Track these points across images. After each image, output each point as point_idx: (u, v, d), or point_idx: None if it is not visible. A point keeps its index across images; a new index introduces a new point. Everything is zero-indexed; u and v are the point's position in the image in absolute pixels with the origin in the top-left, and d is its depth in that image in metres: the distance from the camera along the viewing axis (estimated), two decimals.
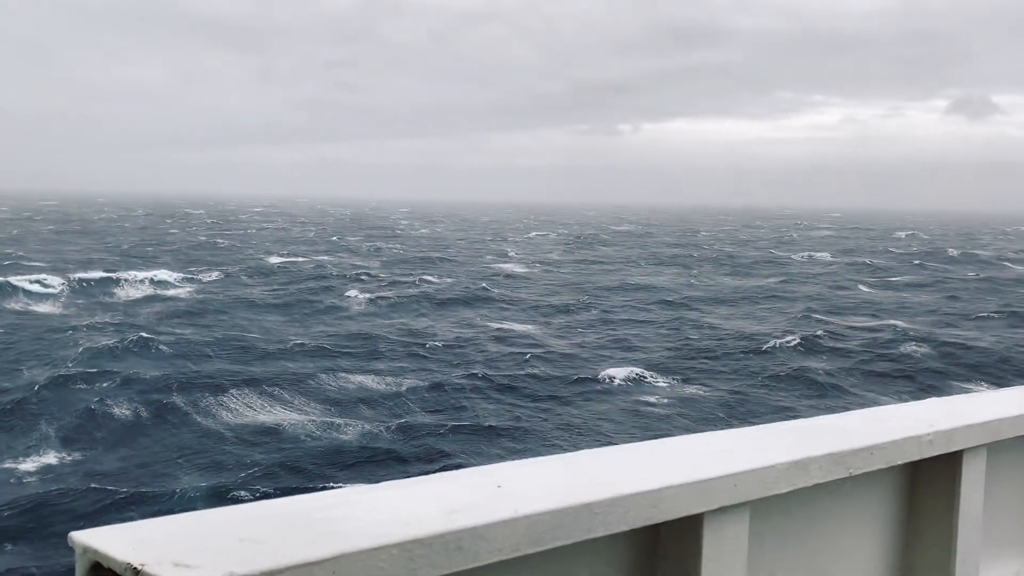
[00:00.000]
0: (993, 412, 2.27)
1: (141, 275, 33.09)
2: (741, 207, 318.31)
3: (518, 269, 43.59)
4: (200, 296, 30.11)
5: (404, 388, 17.48)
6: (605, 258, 54.07)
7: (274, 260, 45.00)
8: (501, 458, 13.71)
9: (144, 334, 21.17)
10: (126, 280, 32.06)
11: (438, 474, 1.44)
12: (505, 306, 29.67)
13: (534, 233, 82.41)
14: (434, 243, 65.53)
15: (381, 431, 14.55)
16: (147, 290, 31.09)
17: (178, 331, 22.75)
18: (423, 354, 20.95)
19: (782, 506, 1.74)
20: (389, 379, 18.28)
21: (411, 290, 32.70)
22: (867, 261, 54.02)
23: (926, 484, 2.19)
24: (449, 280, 36.05)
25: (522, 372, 19.11)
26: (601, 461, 1.56)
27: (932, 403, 2.43)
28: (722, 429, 1.84)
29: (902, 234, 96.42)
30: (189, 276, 34.60)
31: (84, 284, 30.66)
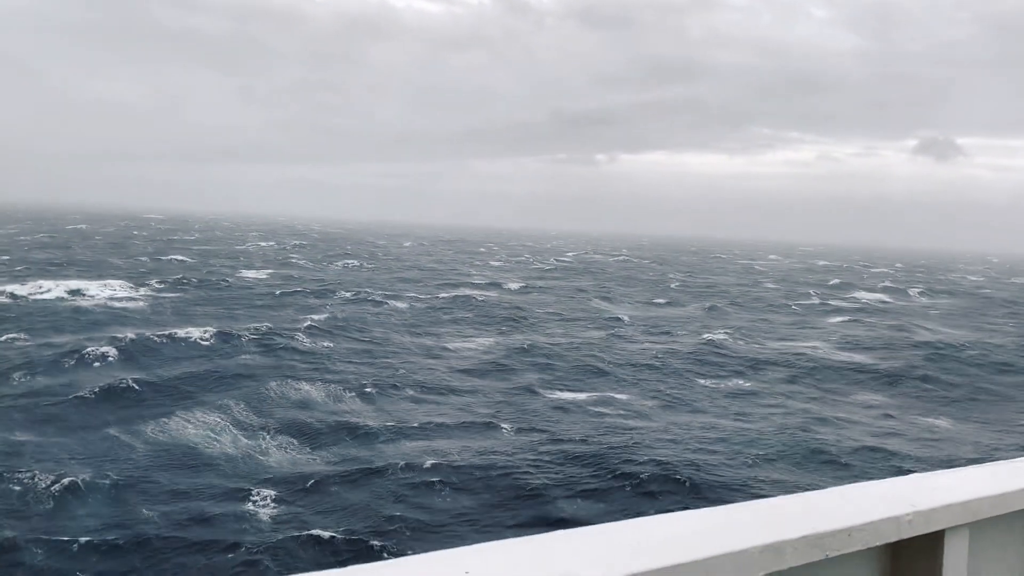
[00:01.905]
0: (974, 490, 2.23)
1: None
2: (710, 238, 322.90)
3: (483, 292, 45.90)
4: None
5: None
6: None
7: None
8: None
9: None
10: None
11: (403, 559, 1.41)
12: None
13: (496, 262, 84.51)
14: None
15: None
16: None
17: None
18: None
19: None
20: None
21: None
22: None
23: (907, 565, 2.10)
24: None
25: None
26: (570, 545, 1.53)
27: (911, 480, 2.39)
28: (691, 509, 1.87)
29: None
30: None
31: None
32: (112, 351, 21.75)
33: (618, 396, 20.47)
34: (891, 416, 19.97)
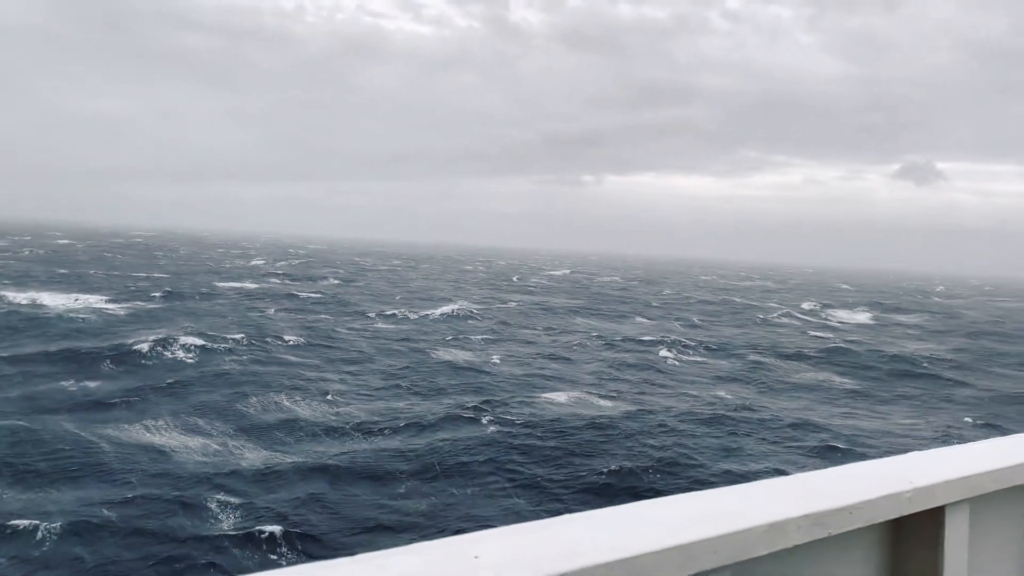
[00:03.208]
0: (974, 466, 2.28)
1: None
2: (696, 259, 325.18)
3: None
4: None
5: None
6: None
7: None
8: None
9: None
10: None
11: (413, 545, 1.40)
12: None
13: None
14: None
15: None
16: None
17: None
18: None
19: (761, 569, 1.73)
20: None
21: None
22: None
23: (908, 541, 2.16)
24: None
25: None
26: (579, 528, 1.54)
27: (911, 458, 2.42)
28: (699, 491, 1.89)
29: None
30: None
31: None
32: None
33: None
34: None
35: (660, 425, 18.68)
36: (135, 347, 24.74)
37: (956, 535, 2.19)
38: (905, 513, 2.02)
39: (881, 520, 1.98)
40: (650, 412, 19.90)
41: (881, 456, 2.55)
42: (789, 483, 2.03)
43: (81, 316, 32.16)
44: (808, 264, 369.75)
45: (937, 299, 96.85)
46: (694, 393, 23.46)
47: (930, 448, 2.59)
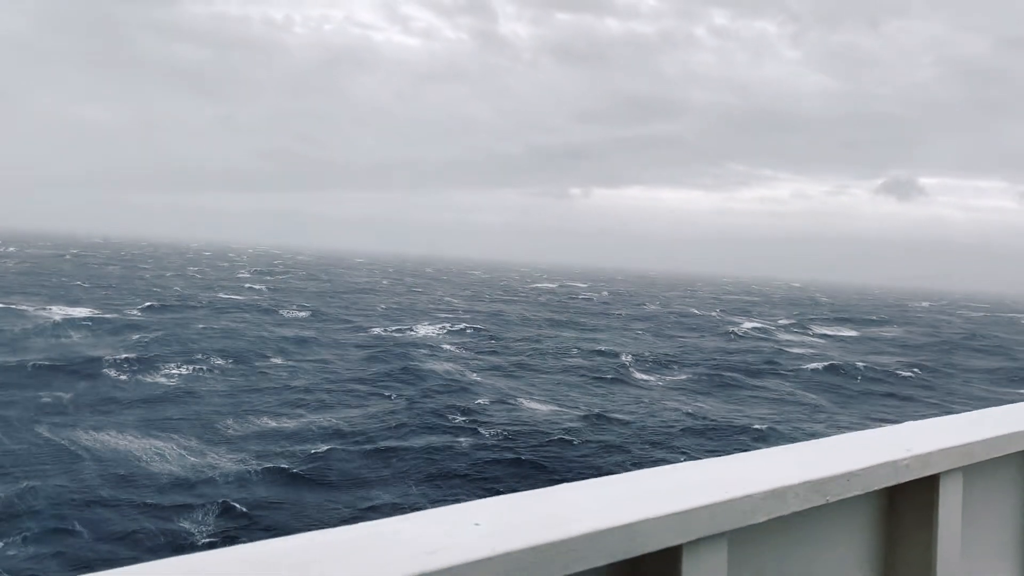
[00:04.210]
0: (968, 434, 2.32)
1: None
2: (683, 272, 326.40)
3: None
4: None
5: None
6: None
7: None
8: None
9: None
10: None
11: (414, 513, 1.41)
12: None
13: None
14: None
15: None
16: None
17: None
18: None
19: (760, 535, 1.77)
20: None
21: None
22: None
23: (903, 508, 2.20)
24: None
25: None
26: (578, 495, 1.56)
27: (908, 427, 2.45)
28: (699, 460, 1.89)
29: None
30: None
31: None
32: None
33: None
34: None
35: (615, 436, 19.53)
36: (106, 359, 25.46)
37: (950, 502, 2.24)
38: (902, 480, 2.06)
39: (878, 487, 2.02)
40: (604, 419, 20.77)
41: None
42: (788, 451, 2.08)
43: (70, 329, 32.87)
44: (796, 278, 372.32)
45: (919, 314, 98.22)
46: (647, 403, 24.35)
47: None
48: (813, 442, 2.21)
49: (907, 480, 2.08)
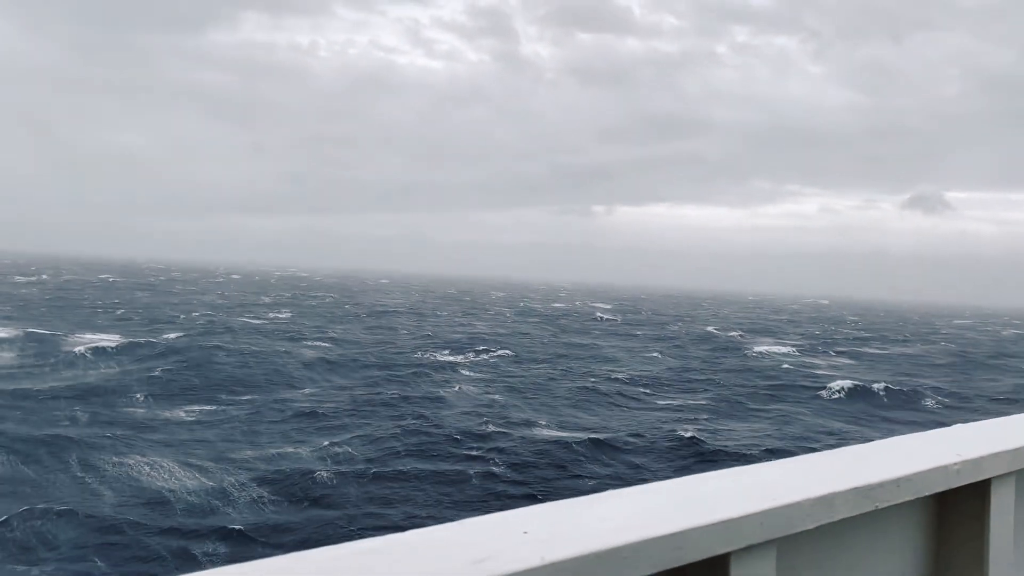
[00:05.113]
0: (1020, 437, 2.25)
1: None
2: (706, 290, 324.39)
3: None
4: None
5: None
6: None
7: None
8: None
9: None
10: None
11: (463, 521, 1.41)
12: None
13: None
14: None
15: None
16: None
17: None
18: None
19: (809, 542, 1.74)
20: None
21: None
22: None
23: (954, 513, 2.14)
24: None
25: None
26: (626, 503, 1.55)
27: (957, 429, 2.41)
28: (745, 465, 1.86)
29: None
30: None
31: None
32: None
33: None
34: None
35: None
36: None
37: (1002, 508, 2.19)
38: (952, 486, 2.02)
39: (928, 493, 1.97)
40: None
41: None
42: (836, 456, 2.05)
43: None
44: (824, 295, 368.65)
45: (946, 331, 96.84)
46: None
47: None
48: (861, 446, 2.20)
49: (958, 485, 2.04)
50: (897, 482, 1.85)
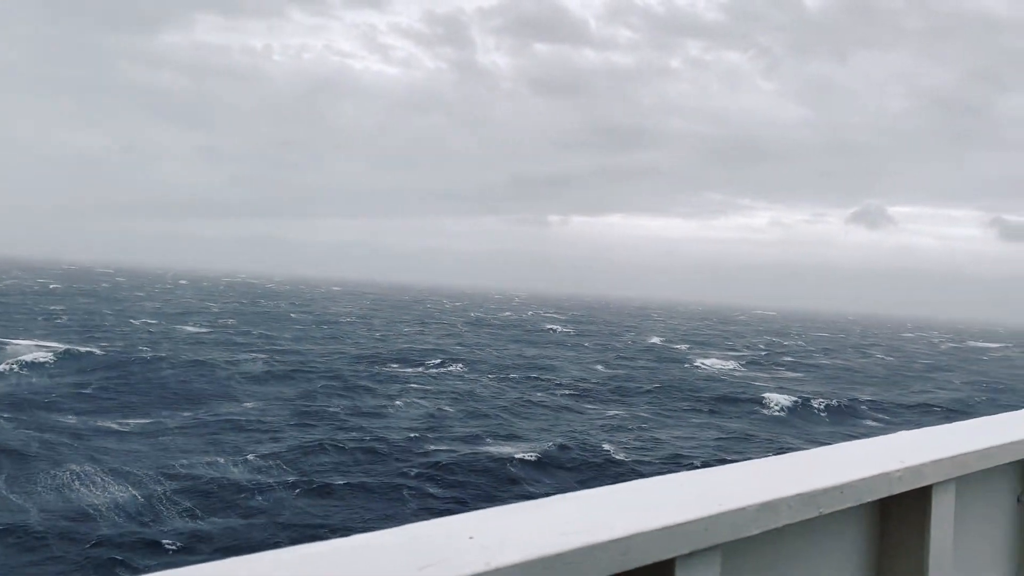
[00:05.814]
0: (961, 445, 2.30)
1: None
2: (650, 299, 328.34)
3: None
4: None
5: None
6: None
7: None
8: None
9: None
10: None
11: (408, 526, 1.40)
12: None
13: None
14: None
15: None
16: None
17: None
18: None
19: (753, 547, 1.76)
20: None
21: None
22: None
23: (896, 519, 2.19)
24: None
25: None
26: (572, 508, 1.55)
27: (900, 437, 2.44)
28: (692, 470, 1.88)
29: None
30: None
31: None
32: None
33: None
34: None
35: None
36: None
37: (943, 513, 2.22)
38: (895, 492, 2.05)
39: (871, 499, 2.00)
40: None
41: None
42: (781, 462, 2.08)
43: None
44: (771, 306, 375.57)
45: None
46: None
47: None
48: (806, 452, 2.23)
49: (900, 491, 2.07)
50: (841, 488, 1.87)
